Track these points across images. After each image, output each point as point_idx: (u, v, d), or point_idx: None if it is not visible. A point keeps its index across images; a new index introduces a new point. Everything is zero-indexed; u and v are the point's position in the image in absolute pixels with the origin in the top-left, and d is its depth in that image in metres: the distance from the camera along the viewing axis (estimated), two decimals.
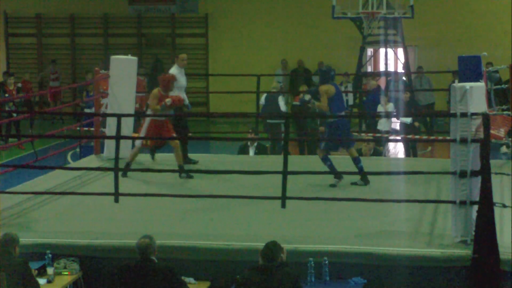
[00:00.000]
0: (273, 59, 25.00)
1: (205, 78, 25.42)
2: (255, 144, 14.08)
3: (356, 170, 10.73)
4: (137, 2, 26.43)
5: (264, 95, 16.21)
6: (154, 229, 8.15)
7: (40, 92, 24.26)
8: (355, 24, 21.73)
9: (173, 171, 11.03)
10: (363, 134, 17.07)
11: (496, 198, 8.00)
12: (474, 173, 7.84)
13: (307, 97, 11.13)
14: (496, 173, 8.91)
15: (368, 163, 12.32)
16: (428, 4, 23.69)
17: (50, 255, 8.00)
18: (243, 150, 14.09)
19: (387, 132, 16.52)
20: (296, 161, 10.86)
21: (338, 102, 10.81)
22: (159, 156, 12.52)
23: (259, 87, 15.39)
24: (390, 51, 23.25)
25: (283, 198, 8.62)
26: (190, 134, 13.05)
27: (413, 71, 22.40)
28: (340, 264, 7.85)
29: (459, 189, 7.93)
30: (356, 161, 10.78)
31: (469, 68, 10.60)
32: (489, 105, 11.05)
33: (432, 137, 17.81)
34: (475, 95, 7.91)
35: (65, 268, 8.00)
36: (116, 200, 8.97)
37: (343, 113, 10.82)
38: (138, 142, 11.36)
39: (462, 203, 7.93)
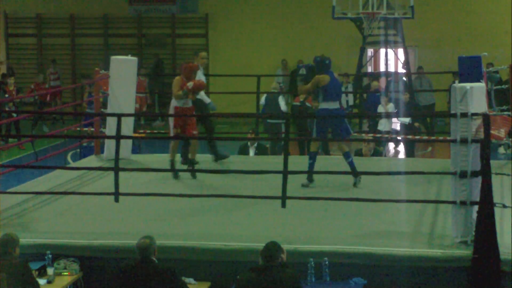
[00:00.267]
0: (273, 59, 25.00)
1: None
2: (255, 144, 14.09)
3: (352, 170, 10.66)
4: (137, 2, 26.43)
5: (264, 95, 16.21)
6: (154, 229, 8.15)
7: (39, 92, 24.23)
8: (355, 25, 21.72)
9: (172, 170, 11.04)
10: (363, 134, 17.09)
11: (496, 198, 7.99)
12: (474, 174, 7.83)
13: (302, 71, 10.96)
14: (496, 174, 8.92)
15: (369, 163, 12.33)
16: (428, 4, 23.69)
17: (50, 256, 7.99)
18: (243, 151, 14.09)
19: (388, 132, 16.54)
20: (296, 161, 10.84)
21: (331, 92, 10.55)
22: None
23: (259, 87, 15.39)
24: (390, 51, 23.25)
25: (283, 198, 8.62)
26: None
27: (413, 72, 22.40)
28: (340, 265, 7.85)
29: (459, 189, 7.93)
30: (346, 156, 10.70)
31: (470, 69, 10.58)
32: (490, 105, 11.05)
33: (432, 138, 17.81)
34: (475, 96, 7.91)
35: (65, 268, 7.99)
36: (116, 200, 8.97)
37: (337, 104, 10.71)
38: (171, 133, 11.25)
39: (462, 203, 7.92)
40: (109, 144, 12.27)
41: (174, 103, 11.21)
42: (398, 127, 16.79)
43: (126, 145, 12.43)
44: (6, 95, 19.98)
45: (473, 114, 7.83)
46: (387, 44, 22.30)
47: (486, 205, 7.70)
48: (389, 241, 8.28)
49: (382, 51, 23.52)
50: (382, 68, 23.94)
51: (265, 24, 25.47)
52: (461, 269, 7.76)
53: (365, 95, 19.76)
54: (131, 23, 26.51)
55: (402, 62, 22.53)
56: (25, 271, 6.95)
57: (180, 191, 9.79)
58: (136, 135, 11.60)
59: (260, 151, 14.20)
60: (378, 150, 14.38)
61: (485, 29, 24.13)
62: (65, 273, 7.96)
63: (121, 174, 9.17)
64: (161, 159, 12.37)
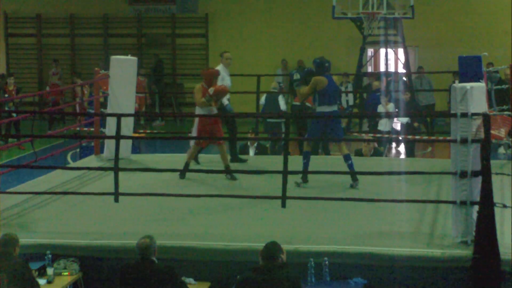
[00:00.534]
0: (273, 59, 25.01)
1: None
2: (255, 144, 14.09)
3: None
4: (137, 2, 26.43)
5: (264, 95, 16.21)
6: (154, 229, 8.14)
7: (40, 92, 24.27)
8: (355, 24, 21.71)
9: (172, 170, 11.02)
10: (363, 134, 17.08)
11: (496, 198, 7.99)
12: (474, 174, 7.83)
13: (296, 75, 10.95)
14: (496, 174, 8.92)
15: (369, 163, 12.33)
16: (428, 4, 23.69)
17: (50, 256, 7.99)
18: (243, 150, 14.09)
19: (388, 132, 16.54)
20: (296, 161, 10.84)
21: (327, 95, 10.54)
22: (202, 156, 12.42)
23: (259, 87, 15.39)
24: (390, 51, 23.25)
25: (283, 198, 8.62)
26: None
27: (413, 72, 22.39)
28: (340, 265, 7.84)
29: (460, 189, 7.93)
30: (346, 158, 10.68)
31: (470, 68, 10.59)
32: (490, 105, 11.05)
33: (432, 138, 17.81)
34: (475, 96, 7.91)
35: (65, 268, 7.99)
36: (116, 200, 8.97)
37: (334, 108, 10.69)
38: (192, 143, 11.28)
39: (463, 203, 7.92)
40: (109, 144, 12.27)
41: (199, 111, 11.18)
42: (398, 127, 16.79)
43: (126, 145, 12.43)
44: (6, 95, 19.98)
45: (473, 114, 7.83)
46: (387, 44, 22.30)
47: (486, 205, 7.70)
48: (389, 241, 8.27)
49: (382, 51, 23.52)
50: (382, 68, 23.94)
51: (265, 24, 25.47)
52: (461, 269, 7.75)
53: (365, 95, 19.75)
54: (131, 23, 26.51)
55: (403, 62, 22.54)
56: (25, 271, 6.95)
57: (180, 191, 9.78)
58: (136, 135, 11.58)
59: (260, 151, 14.21)
60: (379, 150, 14.38)
61: (485, 29, 24.13)
62: (65, 273, 7.96)
63: (121, 174, 9.17)
64: (161, 159, 12.37)
